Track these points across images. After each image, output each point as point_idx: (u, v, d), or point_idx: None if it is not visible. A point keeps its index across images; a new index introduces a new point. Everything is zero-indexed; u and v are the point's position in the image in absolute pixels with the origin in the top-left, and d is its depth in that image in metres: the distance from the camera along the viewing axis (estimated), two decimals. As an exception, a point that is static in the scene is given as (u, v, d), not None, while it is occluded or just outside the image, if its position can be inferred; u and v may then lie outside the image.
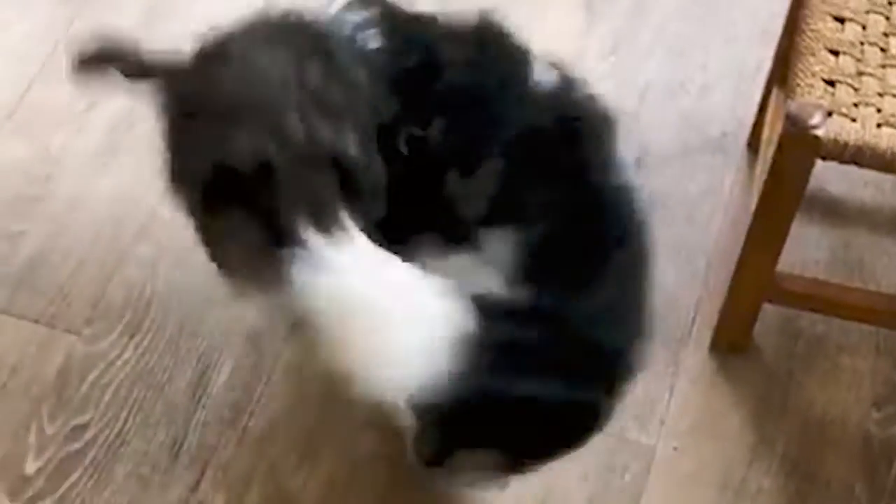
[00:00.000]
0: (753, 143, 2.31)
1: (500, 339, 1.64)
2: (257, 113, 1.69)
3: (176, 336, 2.13)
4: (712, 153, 2.36)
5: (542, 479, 2.00)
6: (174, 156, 1.78)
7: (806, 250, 2.24)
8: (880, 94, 1.85)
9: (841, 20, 1.92)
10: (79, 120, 2.35)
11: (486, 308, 1.63)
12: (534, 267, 1.69)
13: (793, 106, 1.81)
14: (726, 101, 2.42)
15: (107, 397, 2.07)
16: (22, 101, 2.37)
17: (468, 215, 1.72)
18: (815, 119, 1.78)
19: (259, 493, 2.00)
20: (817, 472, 2.05)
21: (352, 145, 1.67)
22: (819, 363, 2.15)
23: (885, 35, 1.91)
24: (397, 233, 1.70)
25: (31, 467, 2.01)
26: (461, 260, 1.72)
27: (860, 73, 1.87)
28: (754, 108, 2.31)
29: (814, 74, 1.86)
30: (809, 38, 1.89)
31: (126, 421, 2.06)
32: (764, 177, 1.90)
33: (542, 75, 1.74)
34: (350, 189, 1.66)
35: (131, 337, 2.13)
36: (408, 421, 1.70)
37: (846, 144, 1.80)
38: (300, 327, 1.83)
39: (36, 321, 2.14)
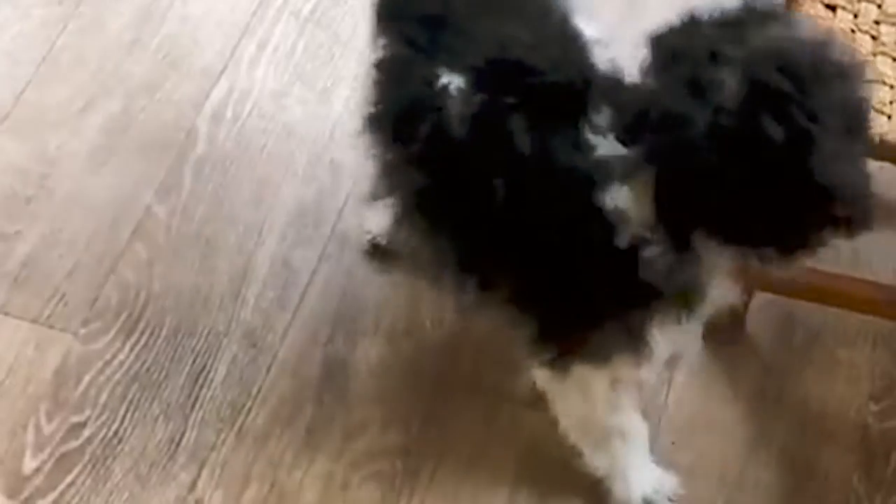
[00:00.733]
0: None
1: None
2: None
3: (172, 335, 2.14)
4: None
5: (541, 476, 2.02)
6: None
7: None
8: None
9: (833, 8, 1.92)
10: (74, 120, 2.35)
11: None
12: None
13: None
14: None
15: (104, 396, 2.07)
16: (17, 101, 2.37)
17: None
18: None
19: (257, 490, 2.00)
20: (815, 465, 2.04)
21: None
22: (816, 356, 2.14)
23: (877, 23, 1.91)
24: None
25: (28, 466, 2.01)
26: None
27: (850, 61, 1.87)
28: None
29: (804, 62, 1.86)
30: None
31: (123, 419, 2.06)
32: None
33: None
34: None
35: (128, 336, 2.13)
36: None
37: (835, 130, 1.80)
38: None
39: (33, 321, 2.14)
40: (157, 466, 2.02)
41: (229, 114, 2.37)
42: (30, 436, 2.03)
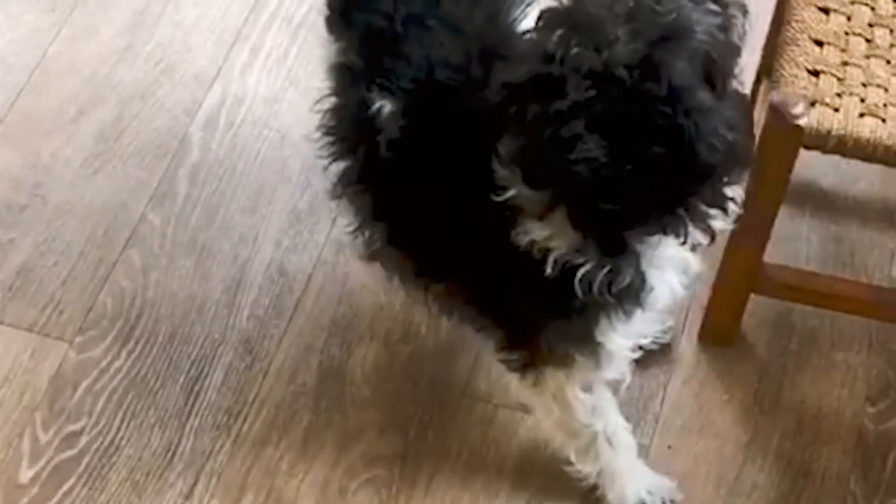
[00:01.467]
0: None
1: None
2: None
3: (168, 342, 2.13)
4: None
5: (537, 481, 2.02)
6: None
7: (797, 244, 2.23)
8: (864, 85, 1.85)
9: (826, 11, 1.92)
10: (67, 128, 2.35)
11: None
12: None
13: (776, 96, 1.82)
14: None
15: (100, 404, 2.07)
16: (11, 109, 2.36)
17: None
18: (798, 109, 1.78)
19: (253, 498, 2.00)
20: (812, 468, 2.04)
21: None
22: (812, 359, 2.14)
23: (870, 26, 1.91)
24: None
25: (25, 475, 2.00)
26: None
27: (844, 64, 1.87)
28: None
29: (798, 65, 1.86)
30: (794, 28, 1.89)
31: (119, 428, 2.05)
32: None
33: None
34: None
35: (123, 344, 2.13)
36: None
37: (829, 134, 1.81)
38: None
39: (28, 330, 2.14)
40: (153, 475, 2.02)
41: (223, 120, 2.37)
42: (26, 445, 2.03)
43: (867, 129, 1.81)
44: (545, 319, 1.73)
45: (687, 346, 2.14)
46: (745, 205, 1.69)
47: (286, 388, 2.10)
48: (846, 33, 1.90)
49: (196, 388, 2.09)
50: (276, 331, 2.15)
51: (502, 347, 1.82)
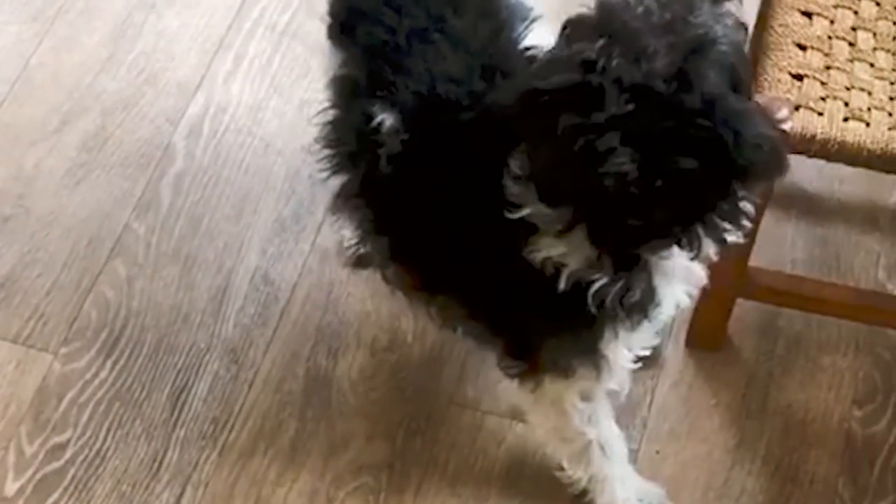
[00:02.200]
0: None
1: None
2: None
3: (153, 353, 2.13)
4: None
5: (525, 488, 2.01)
6: None
7: (783, 248, 2.23)
8: (847, 89, 1.85)
9: (809, 15, 1.92)
10: (51, 138, 2.34)
11: None
12: None
13: (760, 100, 1.81)
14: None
15: (85, 416, 2.06)
16: (-7, 120, 2.37)
17: None
18: (782, 113, 1.78)
19: (241, 508, 2.00)
20: (800, 472, 2.04)
21: None
22: (799, 363, 2.14)
23: (853, 29, 1.92)
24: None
25: (10, 488, 2.00)
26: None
27: (828, 68, 1.87)
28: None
29: (781, 69, 1.86)
30: (777, 33, 1.89)
31: (105, 439, 2.05)
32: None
33: None
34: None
35: (108, 355, 2.12)
36: None
37: (813, 138, 1.80)
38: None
39: (12, 341, 2.13)
40: (139, 486, 2.01)
41: (206, 129, 2.37)
42: (11, 457, 2.02)
43: (851, 132, 1.81)
44: (551, 332, 1.72)
45: (674, 351, 2.14)
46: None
47: (273, 397, 2.09)
48: (829, 37, 1.90)
49: (182, 398, 2.09)
50: (261, 340, 2.14)
51: (504, 357, 1.81)
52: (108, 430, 2.05)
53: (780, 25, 1.90)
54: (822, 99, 1.84)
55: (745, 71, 1.56)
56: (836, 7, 1.93)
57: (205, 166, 2.32)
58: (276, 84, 2.43)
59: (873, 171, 1.87)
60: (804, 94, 1.84)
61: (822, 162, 1.86)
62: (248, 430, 2.06)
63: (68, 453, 2.03)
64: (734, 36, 1.54)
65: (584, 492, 1.96)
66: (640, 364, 1.82)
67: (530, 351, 1.76)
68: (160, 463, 2.03)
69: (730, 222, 1.56)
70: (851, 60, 1.89)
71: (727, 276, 2.01)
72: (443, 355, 2.13)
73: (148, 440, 2.05)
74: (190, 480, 2.01)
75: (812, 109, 1.82)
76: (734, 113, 1.49)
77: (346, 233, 2.16)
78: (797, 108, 1.82)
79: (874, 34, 1.92)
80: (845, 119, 1.82)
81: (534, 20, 1.78)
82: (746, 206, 1.56)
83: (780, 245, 2.24)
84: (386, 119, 1.71)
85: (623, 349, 1.73)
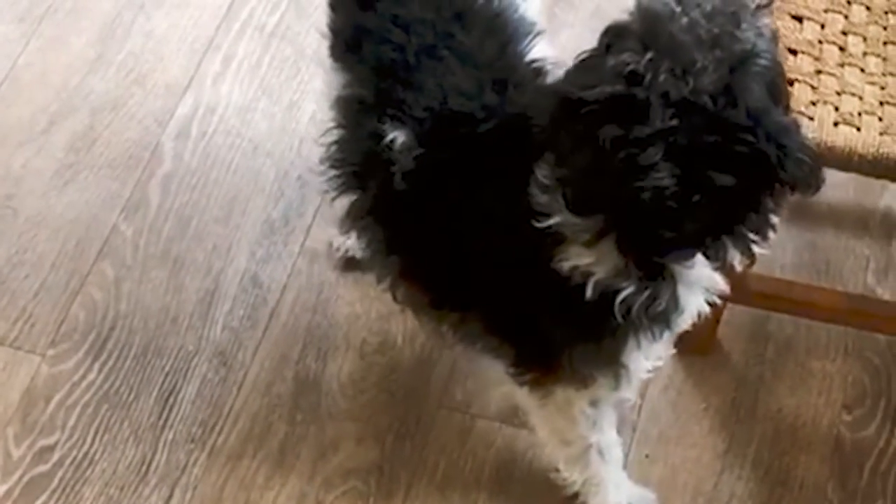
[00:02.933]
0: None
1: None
2: None
3: (141, 355, 2.12)
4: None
5: (515, 491, 2.01)
6: None
7: (772, 253, 2.22)
8: (838, 93, 1.85)
9: (799, 19, 1.92)
10: (39, 139, 2.33)
11: None
12: None
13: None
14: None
15: (73, 418, 2.05)
16: (-20, 121, 2.36)
17: None
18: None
19: (229, 510, 2.00)
20: (789, 476, 2.04)
21: None
22: (789, 367, 2.14)
23: (844, 34, 1.91)
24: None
25: (-3, 491, 1.99)
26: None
27: (818, 72, 1.87)
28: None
29: (773, 74, 1.86)
30: (768, 38, 1.89)
31: (93, 442, 2.04)
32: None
33: None
34: None
35: (96, 357, 2.11)
36: None
37: (804, 143, 1.80)
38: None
39: (-1, 343, 2.13)
40: (128, 489, 2.00)
41: (195, 130, 2.36)
42: (-2, 460, 2.02)
43: (842, 137, 1.81)
44: (574, 341, 1.70)
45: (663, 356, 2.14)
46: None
47: (261, 400, 2.08)
48: (820, 42, 1.90)
49: (170, 400, 2.08)
50: (250, 342, 2.13)
51: (516, 365, 1.80)
52: (96, 433, 2.04)
53: (772, 30, 1.90)
54: (813, 103, 1.84)
55: (784, 84, 1.56)
56: (826, 11, 1.93)
57: (193, 168, 2.32)
58: (264, 85, 2.42)
59: (863, 176, 1.87)
60: (795, 99, 1.83)
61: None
62: (236, 433, 2.05)
63: (56, 456, 2.02)
64: (774, 50, 1.54)
65: (576, 495, 1.96)
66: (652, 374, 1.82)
67: (549, 360, 1.75)
68: (148, 466, 2.02)
69: (756, 233, 1.56)
70: (842, 65, 1.88)
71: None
72: (432, 358, 2.12)
73: (136, 443, 2.04)
74: (178, 483, 2.01)
75: (803, 114, 1.82)
76: (778, 128, 1.49)
77: (340, 237, 2.16)
78: (789, 112, 1.82)
79: (865, 39, 1.92)
80: (836, 124, 1.82)
81: (538, 34, 1.78)
82: (774, 218, 1.56)
83: (770, 250, 2.23)
84: (398, 136, 1.69)
85: (642, 359, 1.73)
